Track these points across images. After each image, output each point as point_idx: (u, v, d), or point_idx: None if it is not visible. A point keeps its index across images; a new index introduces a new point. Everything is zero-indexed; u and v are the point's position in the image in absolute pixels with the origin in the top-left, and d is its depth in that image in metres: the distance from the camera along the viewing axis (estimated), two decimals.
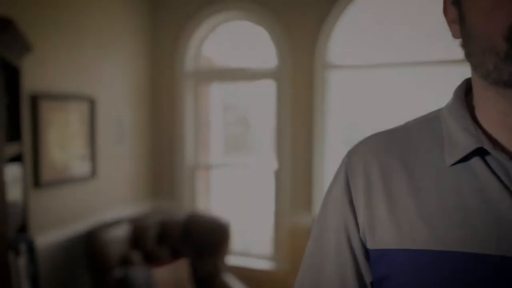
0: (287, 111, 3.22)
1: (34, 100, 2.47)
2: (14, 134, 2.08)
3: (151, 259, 2.95)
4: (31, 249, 2.04)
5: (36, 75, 2.50)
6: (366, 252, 0.61)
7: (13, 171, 2.02)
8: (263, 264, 3.35)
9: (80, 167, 2.86)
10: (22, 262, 1.96)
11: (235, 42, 3.57)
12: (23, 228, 2.18)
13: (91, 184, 2.98)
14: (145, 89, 3.55)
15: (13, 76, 2.03)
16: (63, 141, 2.72)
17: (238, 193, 3.60)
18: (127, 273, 2.66)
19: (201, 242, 3.02)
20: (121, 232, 2.83)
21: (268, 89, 3.40)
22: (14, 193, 2.01)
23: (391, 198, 0.58)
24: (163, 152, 3.65)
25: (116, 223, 2.87)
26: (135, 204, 3.45)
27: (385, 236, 0.58)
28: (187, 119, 3.56)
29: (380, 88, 3.16)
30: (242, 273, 3.35)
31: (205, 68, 3.60)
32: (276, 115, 3.28)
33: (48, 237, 2.59)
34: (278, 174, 3.30)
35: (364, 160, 0.63)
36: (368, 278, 0.62)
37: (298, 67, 3.17)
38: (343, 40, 3.11)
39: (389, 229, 0.57)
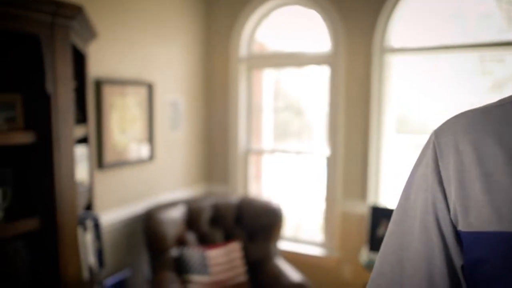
0: (340, 97, 3.16)
1: (98, 85, 2.60)
2: (81, 117, 2.20)
3: (204, 241, 3.03)
4: (96, 226, 2.16)
5: (100, 61, 2.62)
6: (457, 234, 0.58)
7: (80, 152, 2.14)
8: (314, 250, 3.34)
9: (139, 150, 2.98)
10: (88, 237, 2.08)
11: (288, 28, 3.53)
12: (89, 206, 2.32)
13: (149, 167, 3.10)
14: (200, 74, 3.61)
15: (80, 62, 2.14)
16: (124, 124, 2.84)
17: (289, 179, 3.60)
18: (183, 252, 2.76)
19: (254, 225, 3.07)
20: (177, 214, 2.92)
21: (321, 74, 3.35)
22: (81, 173, 2.13)
23: (488, 178, 0.55)
24: (217, 137, 3.72)
25: (172, 204, 2.97)
26: (189, 188, 3.55)
27: (481, 218, 0.55)
28: (240, 105, 3.59)
29: (441, 72, 3.01)
30: (293, 258, 3.37)
31: (258, 54, 3.59)
32: (329, 100, 3.22)
33: (110, 215, 2.73)
34: (330, 161, 3.26)
35: (455, 139, 0.60)
36: (458, 262, 0.59)
37: (354, 51, 3.09)
38: (406, 20, 2.97)
39: (486, 210, 0.54)
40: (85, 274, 1.98)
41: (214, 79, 3.70)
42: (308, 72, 3.47)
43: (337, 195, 3.23)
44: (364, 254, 2.87)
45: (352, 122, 3.15)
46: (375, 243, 2.80)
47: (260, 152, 3.69)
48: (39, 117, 1.69)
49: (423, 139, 2.93)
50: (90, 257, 2.08)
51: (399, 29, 2.99)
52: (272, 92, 3.71)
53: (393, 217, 0.67)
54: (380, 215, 2.81)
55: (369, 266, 2.74)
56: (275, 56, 3.49)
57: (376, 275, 0.66)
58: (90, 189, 2.29)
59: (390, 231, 0.66)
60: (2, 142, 1.56)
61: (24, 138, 1.63)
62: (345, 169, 3.20)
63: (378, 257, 0.68)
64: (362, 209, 3.13)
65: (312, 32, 3.37)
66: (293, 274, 2.66)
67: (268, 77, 3.70)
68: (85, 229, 2.03)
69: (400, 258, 0.63)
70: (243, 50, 3.56)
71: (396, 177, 3.12)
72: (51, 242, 1.71)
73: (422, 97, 3.08)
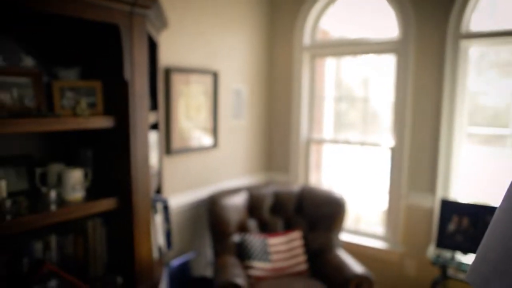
0: (408, 86, 3.02)
1: (167, 73, 2.68)
2: (152, 104, 2.29)
3: (265, 228, 3.06)
4: (166, 208, 2.25)
5: (169, 49, 2.71)
6: None
7: (151, 138, 2.23)
8: (375, 243, 3.26)
9: (204, 138, 3.05)
10: (158, 219, 2.18)
11: (352, 15, 3.43)
12: (158, 190, 2.42)
13: (212, 154, 3.17)
14: (263, 63, 3.62)
15: (152, 50, 2.22)
16: (190, 112, 2.92)
17: (350, 170, 3.53)
18: (245, 238, 2.80)
19: (315, 215, 3.05)
20: (239, 200, 2.97)
21: (385, 62, 3.23)
22: (151, 158, 2.22)
23: None
24: (278, 126, 3.73)
25: (235, 191, 3.03)
26: (250, 176, 3.60)
27: None
28: (303, 93, 3.56)
29: None
30: (353, 250, 3.31)
31: (322, 42, 3.53)
32: (395, 89, 3.10)
33: (176, 199, 2.84)
34: (394, 152, 3.15)
35: None
36: None
37: (425, 37, 2.93)
38: (487, 3, 2.77)
39: None
40: (155, 254, 2.08)
41: (276, 68, 3.69)
42: (372, 61, 3.35)
43: (402, 188, 3.12)
44: (432, 250, 2.76)
45: (421, 112, 3.01)
46: (444, 239, 2.67)
47: (320, 142, 3.64)
48: (117, 103, 1.77)
49: (498, 131, 2.74)
50: (159, 238, 2.18)
51: (478, 14, 2.79)
52: (334, 81, 3.64)
53: (501, 205, 0.63)
54: (451, 210, 2.67)
55: (439, 263, 2.63)
56: (339, 43, 3.41)
57: (479, 262, 0.63)
58: (160, 174, 2.39)
59: (497, 219, 0.63)
60: (85, 126, 1.66)
61: (104, 122, 1.73)
62: (411, 160, 3.08)
63: (481, 244, 0.65)
64: (429, 203, 3.00)
65: (377, 19, 3.25)
66: (355, 265, 2.62)
67: (331, 65, 3.63)
68: (155, 211, 2.13)
69: (507, 247, 0.59)
70: (306, 38, 3.52)
71: (468, 170, 2.95)
72: (127, 222, 1.81)
73: (498, 88, 2.87)
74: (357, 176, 3.49)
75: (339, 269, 2.64)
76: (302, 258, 2.88)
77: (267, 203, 3.11)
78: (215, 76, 3.08)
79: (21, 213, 1.52)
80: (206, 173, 3.13)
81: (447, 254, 2.66)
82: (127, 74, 1.71)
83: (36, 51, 1.81)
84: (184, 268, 2.90)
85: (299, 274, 2.83)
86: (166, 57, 2.69)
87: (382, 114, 3.35)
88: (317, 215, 3.04)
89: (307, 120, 3.63)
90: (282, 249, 2.87)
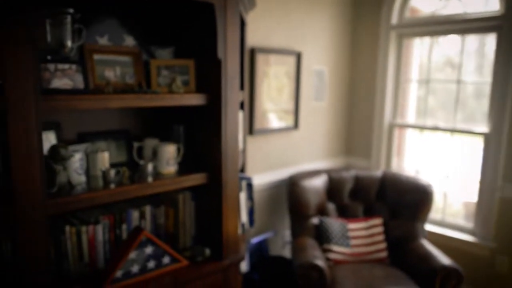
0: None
1: (252, 53, 2.70)
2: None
3: (344, 213, 3.01)
4: (249, 186, 2.30)
5: (254, 30, 2.72)
6: None
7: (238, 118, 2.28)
8: (462, 236, 3.07)
9: (285, 119, 3.05)
10: (243, 196, 2.23)
11: None
12: (242, 169, 2.47)
13: (292, 136, 3.16)
14: (346, 44, 3.51)
15: (241, 30, 2.24)
16: (272, 93, 2.92)
17: (436, 157, 3.32)
18: (324, 221, 2.78)
19: (398, 202, 2.93)
20: (319, 182, 2.95)
21: (483, 41, 2.96)
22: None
23: None
24: (360, 108, 3.61)
25: (315, 173, 3.00)
26: (329, 160, 3.54)
27: None
28: (389, 76, 3.40)
29: None
30: (437, 240, 3.15)
31: (412, 20, 3.31)
32: (494, 70, 2.84)
33: (256, 178, 2.88)
34: (489, 140, 2.91)
35: None
36: None
37: None
38: None
39: None
40: (239, 231, 2.14)
41: (360, 49, 3.55)
42: (464, 40, 3.09)
43: (496, 179, 2.88)
44: None
45: None
46: None
47: (404, 127, 3.47)
48: (210, 82, 1.82)
49: None
50: (243, 216, 2.24)
51: None
52: (421, 63, 3.42)
53: None
54: None
55: None
56: (432, 21, 3.18)
57: None
58: (244, 153, 2.43)
59: None
60: (180, 103, 1.73)
61: (197, 100, 1.79)
62: (509, 149, 2.82)
63: None
64: None
65: None
66: (442, 257, 2.48)
67: (419, 46, 3.42)
68: (240, 189, 2.18)
69: None
70: (394, 16, 3.34)
71: None
72: (216, 197, 1.87)
73: None
74: (443, 164, 3.28)
75: (424, 259, 2.52)
76: (383, 245, 2.79)
77: (347, 187, 3.05)
78: (298, 57, 3.04)
79: (123, 182, 1.64)
80: (285, 154, 3.14)
81: None
82: (220, 53, 1.75)
83: (136, 32, 1.91)
84: (262, 246, 2.96)
85: (379, 261, 2.75)
86: (251, 37, 2.70)
87: (474, 98, 3.10)
88: (400, 203, 2.92)
89: (391, 104, 3.47)
90: (362, 234, 2.81)
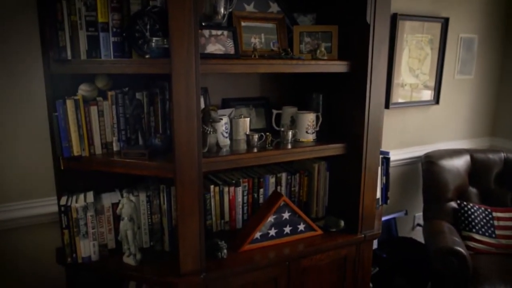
0: None
1: (394, 19, 2.51)
2: None
3: (488, 200, 2.70)
4: (386, 161, 2.18)
5: None
6: None
7: None
8: None
9: (424, 92, 2.81)
10: (378, 171, 2.13)
11: None
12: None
13: (432, 111, 2.90)
14: (502, 8, 3.06)
15: None
16: (412, 63, 2.70)
17: None
18: (466, 206, 2.53)
19: None
20: (460, 163, 2.68)
21: None
22: None
23: None
24: None
25: (455, 152, 2.73)
26: (471, 140, 3.18)
27: None
28: None
29: None
30: None
31: None
32: None
33: (391, 154, 2.72)
34: None
35: None
36: None
37: None
38: None
39: None
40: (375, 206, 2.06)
41: None
42: None
43: None
44: None
45: None
46: None
47: None
48: (353, 48, 1.74)
49: None
50: (377, 191, 2.14)
51: None
52: None
53: None
54: None
55: None
56: None
57: None
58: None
59: None
60: (324, 70, 1.68)
61: (340, 67, 1.72)
62: None
63: None
64: None
65: None
66: None
67: None
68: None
69: None
70: None
71: None
72: (354, 169, 1.81)
73: None
74: None
75: None
76: None
77: (494, 171, 2.71)
78: (445, 23, 2.74)
79: (266, 147, 1.67)
80: (422, 131, 2.90)
81: None
82: (369, 17, 1.64)
83: None
84: (390, 226, 2.83)
85: None
86: (394, 1, 2.49)
87: None
88: None
89: None
90: (508, 227, 2.49)
